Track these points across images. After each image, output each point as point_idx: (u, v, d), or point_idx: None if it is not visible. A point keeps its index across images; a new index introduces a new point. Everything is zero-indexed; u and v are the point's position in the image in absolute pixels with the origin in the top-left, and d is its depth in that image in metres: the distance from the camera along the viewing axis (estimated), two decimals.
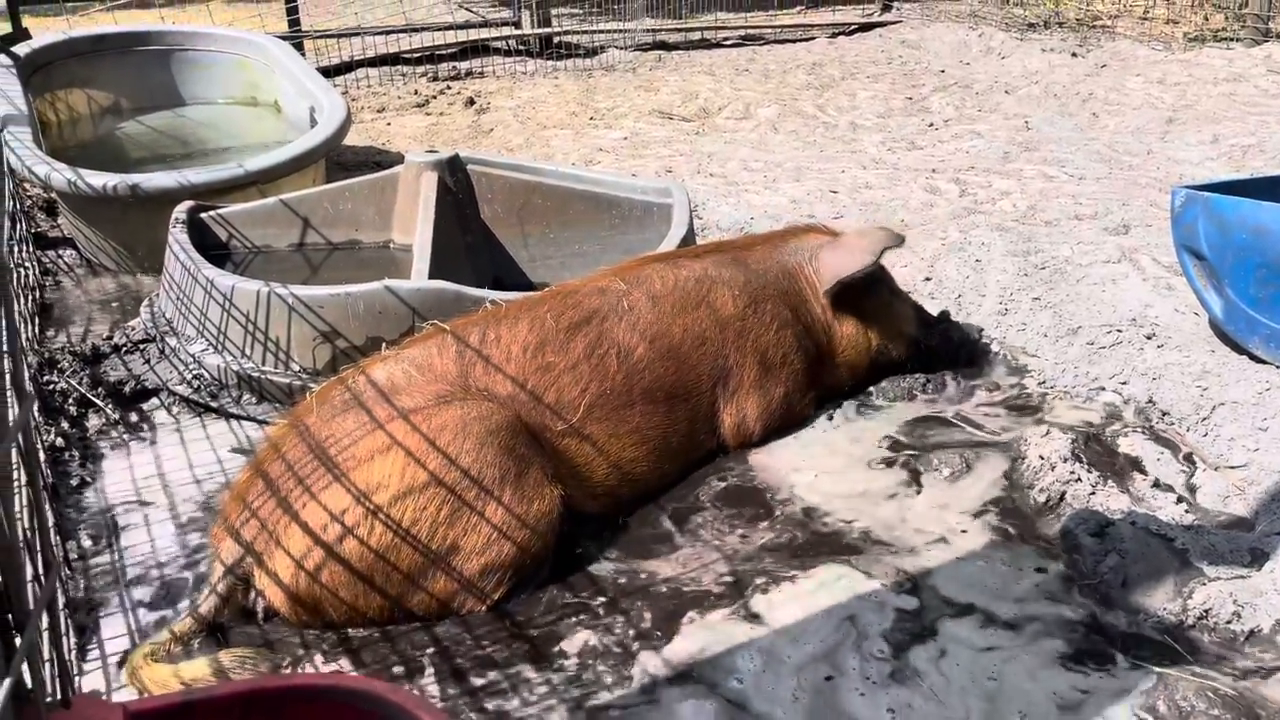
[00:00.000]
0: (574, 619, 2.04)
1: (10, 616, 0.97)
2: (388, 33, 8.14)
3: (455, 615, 2.07)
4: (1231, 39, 7.60)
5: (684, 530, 2.33)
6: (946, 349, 3.15)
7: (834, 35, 9.06)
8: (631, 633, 1.99)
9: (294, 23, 8.02)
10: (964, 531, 2.29)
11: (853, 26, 9.23)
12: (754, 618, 2.01)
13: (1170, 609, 1.97)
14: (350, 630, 2.03)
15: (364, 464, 2.05)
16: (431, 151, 3.49)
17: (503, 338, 2.36)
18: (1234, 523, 2.33)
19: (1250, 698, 1.75)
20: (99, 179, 3.75)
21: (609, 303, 2.53)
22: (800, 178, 4.84)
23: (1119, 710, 1.75)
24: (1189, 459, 2.56)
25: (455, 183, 3.46)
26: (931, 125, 5.74)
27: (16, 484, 1.48)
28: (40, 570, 1.49)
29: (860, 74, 7.27)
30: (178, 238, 3.24)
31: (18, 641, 0.94)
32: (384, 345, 2.61)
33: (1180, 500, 2.38)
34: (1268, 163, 4.83)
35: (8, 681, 0.85)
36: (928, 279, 3.70)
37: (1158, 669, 1.82)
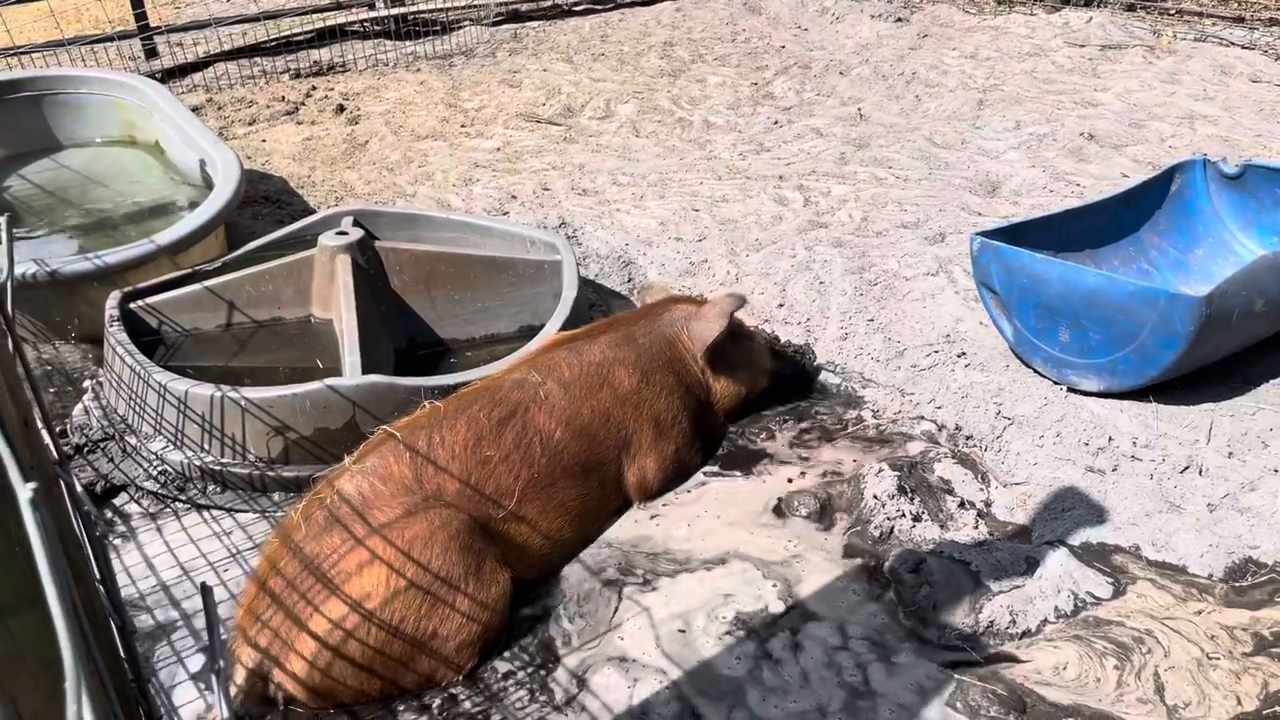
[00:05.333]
0: (518, 669, 2.64)
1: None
2: (240, 21, 8.13)
3: (438, 686, 2.63)
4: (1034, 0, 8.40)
5: (600, 579, 2.94)
6: (799, 375, 3.83)
7: None
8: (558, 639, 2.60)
9: (140, 16, 7.92)
10: (821, 564, 2.97)
11: None
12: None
13: (967, 623, 2.71)
14: (357, 708, 2.58)
15: (354, 577, 2.56)
16: (341, 234, 3.88)
17: (446, 439, 2.87)
18: (1018, 532, 3.09)
19: (1020, 691, 2.50)
20: (19, 268, 3.98)
21: (528, 394, 3.06)
22: (664, 193, 5.38)
23: (934, 709, 2.47)
24: (984, 478, 3.31)
25: (366, 260, 3.87)
26: (776, 123, 6.33)
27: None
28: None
29: (708, 55, 7.77)
30: (118, 338, 3.55)
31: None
32: (344, 456, 3.02)
33: (980, 515, 3.13)
34: (1058, 154, 5.64)
35: None
36: (781, 305, 4.34)
37: (957, 675, 2.55)
